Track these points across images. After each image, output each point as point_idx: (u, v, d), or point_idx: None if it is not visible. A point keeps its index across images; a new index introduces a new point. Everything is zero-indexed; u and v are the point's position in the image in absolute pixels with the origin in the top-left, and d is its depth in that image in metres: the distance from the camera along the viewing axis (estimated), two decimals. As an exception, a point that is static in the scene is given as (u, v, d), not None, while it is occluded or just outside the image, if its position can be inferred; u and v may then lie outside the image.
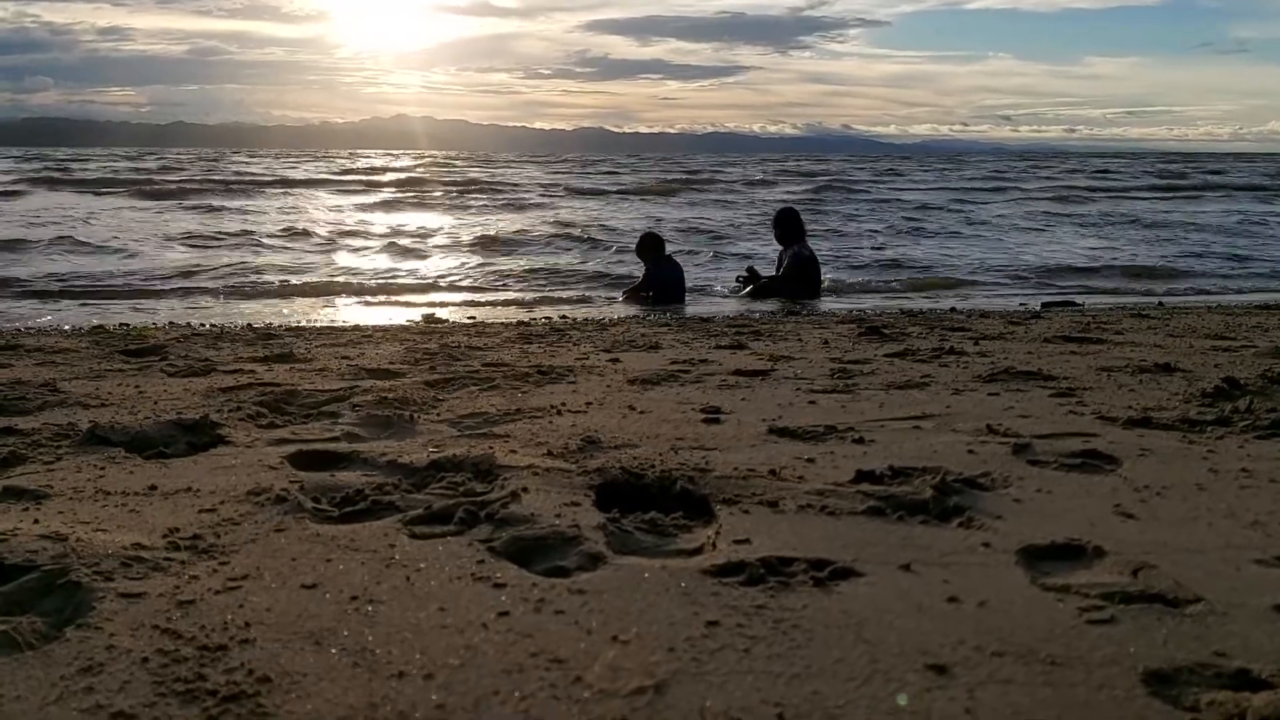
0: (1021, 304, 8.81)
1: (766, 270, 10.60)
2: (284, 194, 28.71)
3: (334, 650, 1.33)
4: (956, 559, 1.68)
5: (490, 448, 2.60)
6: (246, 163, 58.46)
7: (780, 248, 10.64)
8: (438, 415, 3.14)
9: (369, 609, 1.47)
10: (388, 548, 1.77)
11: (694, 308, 9.26)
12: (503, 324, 7.23)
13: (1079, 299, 9.00)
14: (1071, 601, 1.50)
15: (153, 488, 2.17)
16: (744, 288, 10.33)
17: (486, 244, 15.12)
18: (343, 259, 13.37)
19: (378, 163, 66.02)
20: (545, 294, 10.47)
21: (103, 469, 2.36)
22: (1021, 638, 1.37)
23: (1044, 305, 8.36)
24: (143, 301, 9.28)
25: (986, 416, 2.99)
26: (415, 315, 8.24)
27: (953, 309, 8.15)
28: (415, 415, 3.08)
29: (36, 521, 1.85)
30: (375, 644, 1.35)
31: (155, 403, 3.32)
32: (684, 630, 1.39)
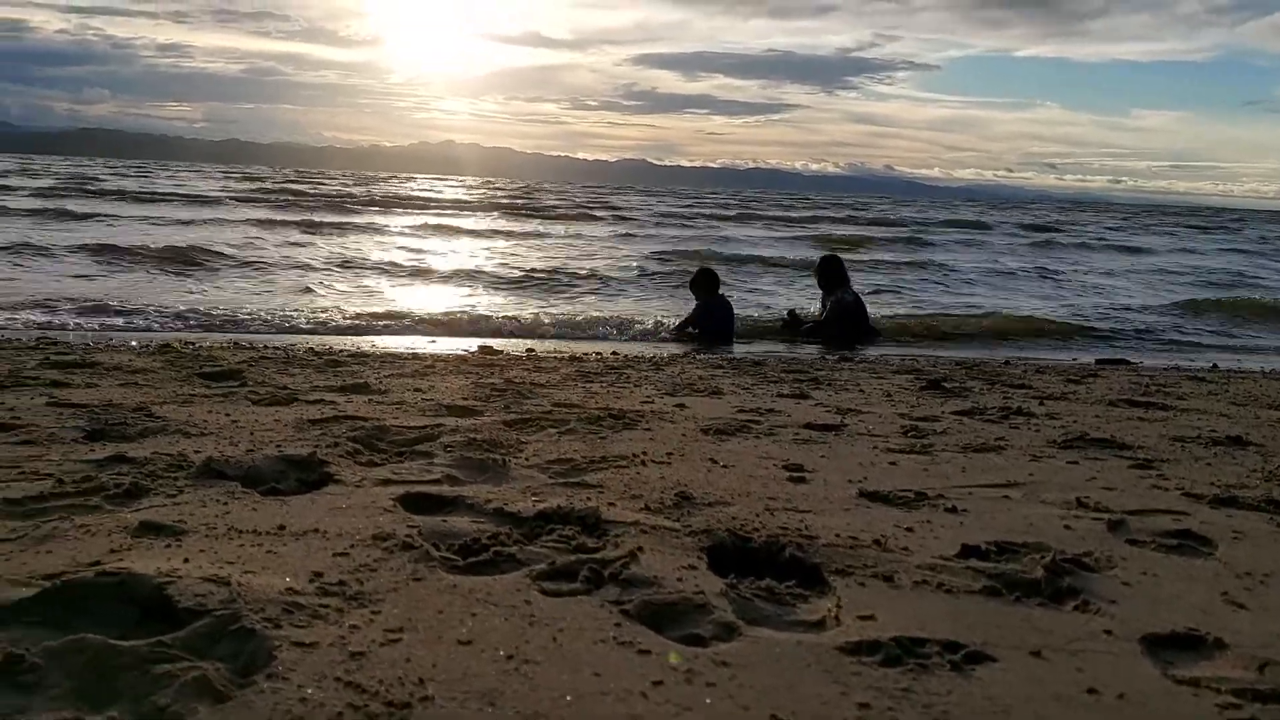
0: (1073, 358, 8.82)
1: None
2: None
3: (509, 712, 1.40)
4: (1083, 646, 1.73)
5: (588, 498, 2.67)
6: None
7: (822, 293, 10.74)
8: (526, 460, 3.21)
9: (527, 669, 1.54)
10: (524, 604, 1.84)
11: (743, 347, 9.33)
12: (557, 359, 7.33)
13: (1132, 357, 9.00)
14: (1207, 697, 1.55)
15: (281, 527, 2.25)
16: (785, 328, 10.43)
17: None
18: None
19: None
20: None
21: (226, 505, 2.45)
22: (1164, 734, 1.42)
23: (1098, 362, 8.36)
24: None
25: (1071, 487, 3.04)
26: (470, 345, 8.34)
27: (1007, 361, 8.17)
28: (506, 459, 3.16)
29: (187, 561, 1.94)
30: (545, 709, 1.42)
31: (252, 434, 3.42)
32: (837, 711, 1.45)
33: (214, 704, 1.36)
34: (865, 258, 21.59)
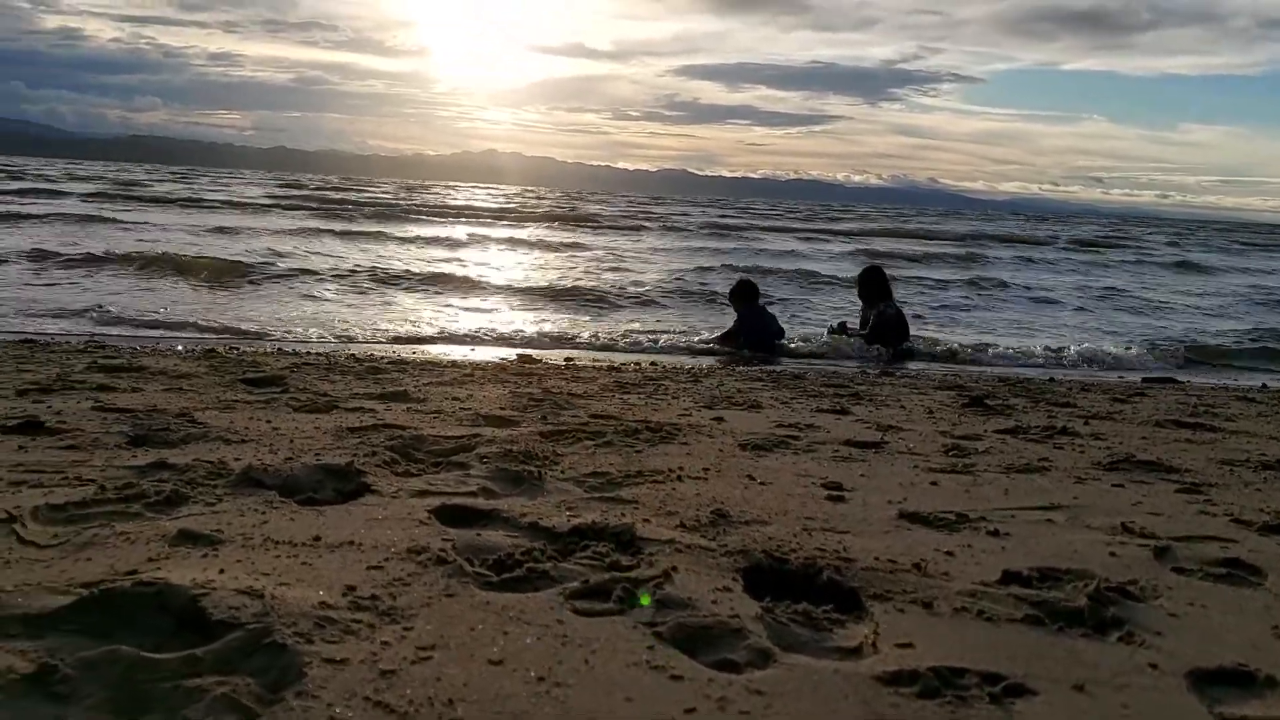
0: (1120, 377, 8.68)
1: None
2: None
3: (538, 737, 1.38)
4: (1127, 680, 1.68)
5: (623, 515, 2.65)
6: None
7: (862, 305, 10.68)
8: (561, 472, 3.20)
9: (558, 692, 1.53)
10: (557, 623, 1.82)
11: (784, 360, 9.27)
12: (595, 368, 7.33)
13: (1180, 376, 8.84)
14: (1257, 739, 1.50)
15: (317, 539, 2.25)
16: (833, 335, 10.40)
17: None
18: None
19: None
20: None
21: (264, 514, 2.46)
22: (1212, 776, 1.37)
23: (1144, 380, 8.22)
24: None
25: (1117, 512, 2.97)
26: (510, 354, 8.37)
27: (1051, 379, 8.05)
28: (541, 472, 3.15)
29: (222, 572, 1.95)
30: (576, 733, 1.40)
31: (291, 441, 3.44)
32: (873, 742, 1.42)
33: (243, 721, 1.36)
34: (929, 274, 20.83)
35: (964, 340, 11.41)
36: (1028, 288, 19.50)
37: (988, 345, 11.11)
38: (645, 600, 1.89)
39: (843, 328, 10.47)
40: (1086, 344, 11.43)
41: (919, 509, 2.87)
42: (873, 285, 10.59)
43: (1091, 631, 1.91)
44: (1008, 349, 10.91)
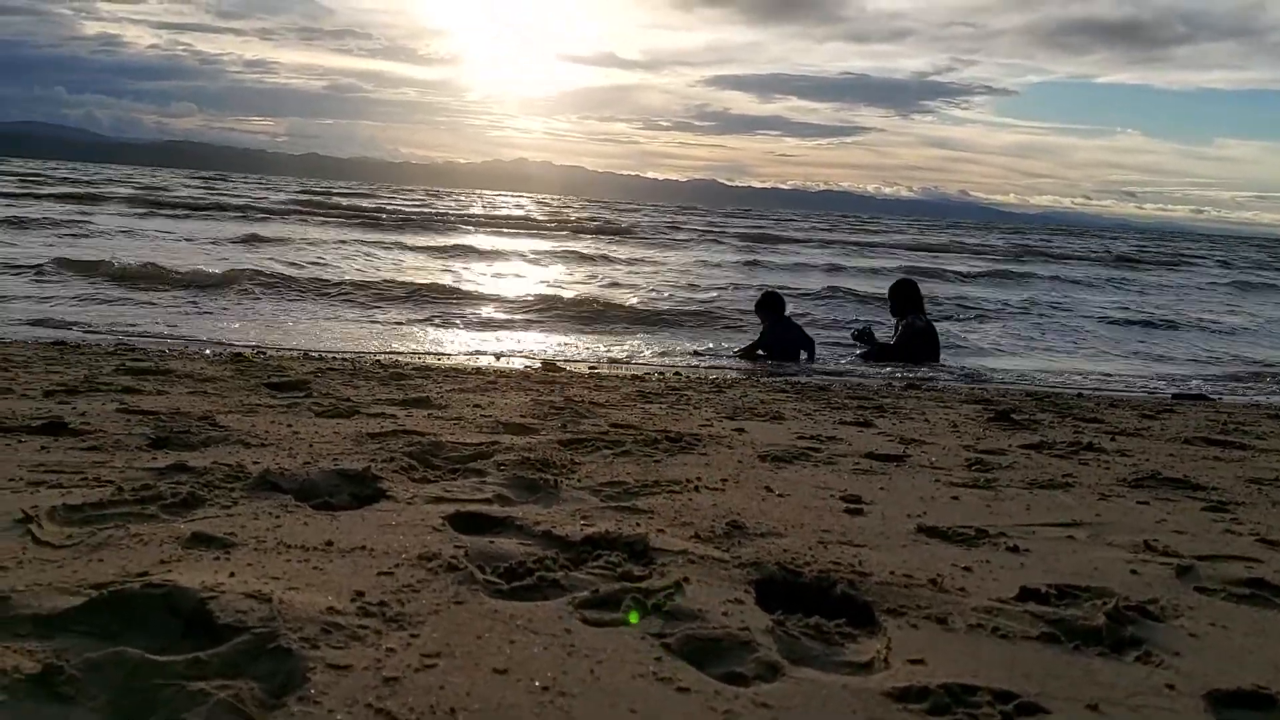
0: (1150, 392, 8.57)
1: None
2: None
3: (539, 747, 1.37)
4: (1143, 701, 1.65)
5: (637, 525, 2.64)
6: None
7: (894, 318, 10.61)
8: (578, 481, 3.19)
9: (562, 702, 1.51)
10: (564, 633, 1.81)
11: (809, 374, 9.22)
12: (619, 378, 7.33)
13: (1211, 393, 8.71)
14: (1275, 765, 1.46)
15: (329, 543, 2.26)
16: (858, 345, 10.34)
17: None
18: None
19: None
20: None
21: (278, 518, 2.46)
22: (1227, 802, 1.34)
23: (1175, 396, 8.12)
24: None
25: (1140, 529, 2.93)
26: (534, 362, 8.39)
27: (1080, 394, 7.96)
28: (558, 480, 3.14)
29: (233, 575, 1.95)
30: (577, 744, 1.39)
31: (310, 445, 3.46)
32: (879, 760, 1.40)
33: (244, 726, 1.36)
34: (985, 294, 19.83)
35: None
36: (1072, 309, 18.73)
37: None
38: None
39: (866, 333, 10.41)
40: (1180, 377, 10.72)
41: (938, 523, 2.84)
42: (903, 297, 10.53)
43: (1108, 651, 1.88)
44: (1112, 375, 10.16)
